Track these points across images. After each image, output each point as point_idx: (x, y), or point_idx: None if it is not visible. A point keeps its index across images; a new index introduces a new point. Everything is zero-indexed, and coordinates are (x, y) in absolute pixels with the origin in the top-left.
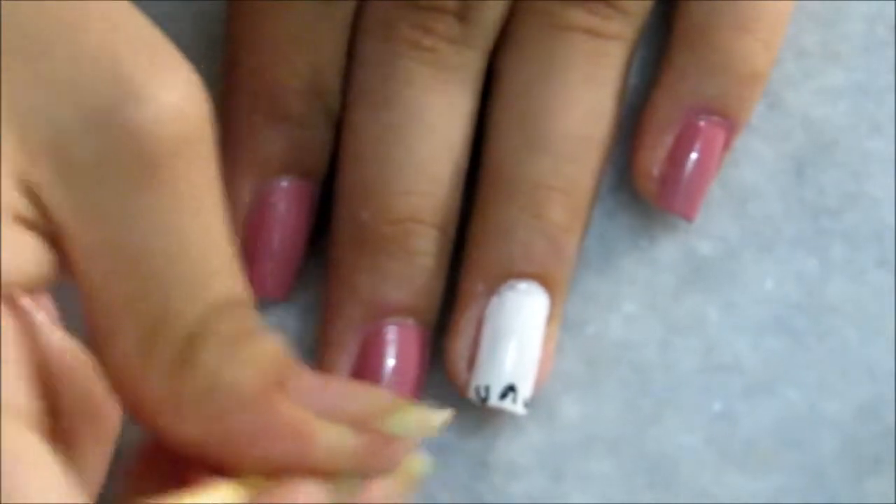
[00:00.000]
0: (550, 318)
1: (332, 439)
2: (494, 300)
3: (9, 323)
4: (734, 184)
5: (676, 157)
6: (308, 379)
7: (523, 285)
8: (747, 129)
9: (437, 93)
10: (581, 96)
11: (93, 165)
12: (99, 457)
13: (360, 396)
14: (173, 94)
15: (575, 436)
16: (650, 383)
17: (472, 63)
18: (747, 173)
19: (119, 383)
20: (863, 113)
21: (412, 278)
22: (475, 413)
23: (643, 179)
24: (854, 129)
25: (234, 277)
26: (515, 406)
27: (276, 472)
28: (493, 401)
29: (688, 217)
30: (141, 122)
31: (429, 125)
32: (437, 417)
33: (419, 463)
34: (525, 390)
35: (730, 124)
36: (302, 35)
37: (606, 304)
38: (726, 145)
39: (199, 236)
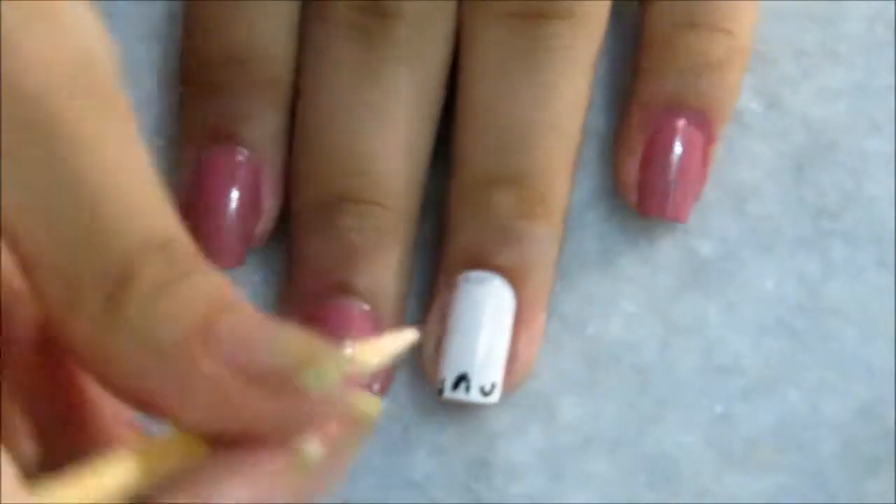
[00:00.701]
0: (523, 306)
1: (250, 400)
2: (450, 293)
3: None
4: (734, 184)
5: (649, 161)
6: (237, 322)
7: (475, 275)
8: (746, 129)
9: (372, 71)
10: (519, 84)
11: None
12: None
13: (281, 344)
14: (43, 39)
15: (575, 436)
16: (650, 383)
17: (412, 40)
18: (747, 173)
19: (56, 332)
20: (862, 113)
21: (348, 257)
22: (475, 413)
23: (624, 189)
24: (853, 129)
25: (157, 217)
26: (470, 395)
27: (209, 433)
28: (447, 393)
29: (676, 218)
30: (12, 74)
31: (364, 103)
32: (346, 359)
33: (368, 403)
34: (480, 379)
35: (703, 117)
36: (242, 11)
37: (606, 305)
38: (710, 140)
39: (103, 177)
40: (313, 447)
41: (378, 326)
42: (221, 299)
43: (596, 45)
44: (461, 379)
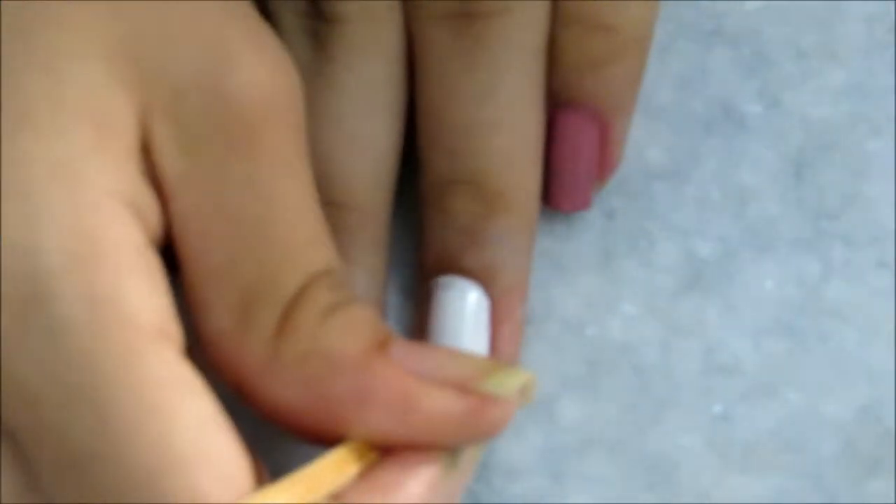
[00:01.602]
0: (498, 303)
1: (435, 402)
2: (427, 301)
3: (154, 258)
4: (733, 185)
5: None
6: (406, 344)
7: (444, 280)
8: (746, 130)
9: (322, 74)
10: (461, 84)
11: (199, 126)
12: None
13: (458, 360)
14: (265, 62)
15: (574, 437)
16: (650, 385)
17: (359, 41)
18: (746, 174)
19: (217, 352)
20: (862, 114)
21: None
22: None
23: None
24: (853, 130)
25: (327, 245)
26: None
27: (379, 441)
28: None
29: (572, 209)
30: (239, 88)
31: (316, 106)
32: (534, 376)
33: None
34: None
35: (593, 111)
36: None
37: (606, 306)
38: (605, 129)
39: (293, 203)
40: (469, 450)
41: None
42: (384, 324)
43: (538, 37)
44: None
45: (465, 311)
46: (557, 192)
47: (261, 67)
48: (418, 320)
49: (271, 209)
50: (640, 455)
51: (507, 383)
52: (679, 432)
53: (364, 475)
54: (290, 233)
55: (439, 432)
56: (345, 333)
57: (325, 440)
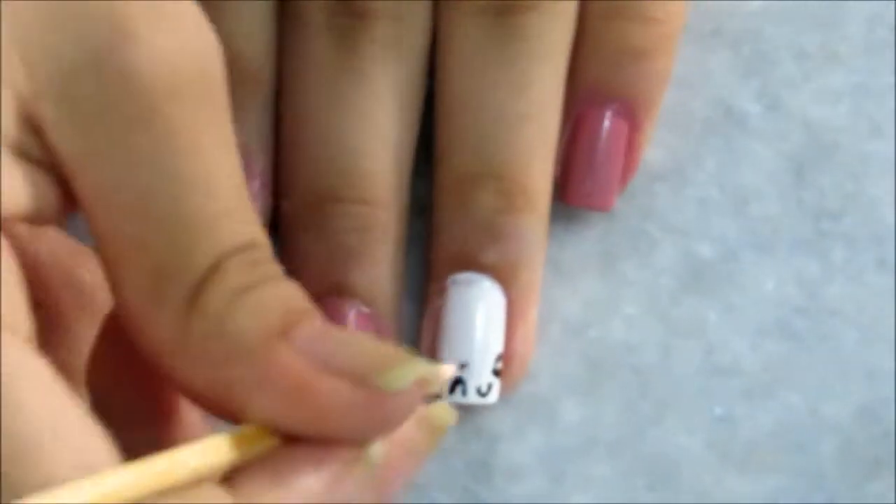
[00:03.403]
0: (515, 302)
1: (329, 392)
2: (440, 297)
3: (5, 247)
4: (734, 185)
5: (571, 150)
6: (314, 329)
7: (463, 277)
8: (747, 131)
9: (351, 71)
10: (492, 77)
11: (94, 106)
12: (85, 329)
13: (360, 349)
14: (164, 37)
15: (575, 438)
16: (650, 386)
17: (389, 38)
18: (747, 175)
19: (131, 329)
20: (863, 114)
21: (340, 258)
22: (476, 415)
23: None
24: (854, 130)
25: (245, 220)
26: (467, 397)
27: (276, 427)
28: (445, 397)
29: (598, 207)
30: (135, 63)
31: (344, 102)
32: (441, 372)
33: (443, 412)
34: (476, 380)
35: (627, 106)
36: (221, 13)
37: (607, 307)
38: (635, 128)
39: (201, 178)
40: (377, 446)
41: (375, 324)
42: (300, 304)
43: (568, 33)
44: (457, 382)
45: (482, 309)
46: (584, 189)
47: (159, 44)
48: (425, 317)
49: (178, 186)
50: (640, 456)
51: (403, 376)
52: (679, 433)
53: (260, 461)
54: (199, 209)
55: (334, 423)
56: (250, 316)
57: (234, 421)
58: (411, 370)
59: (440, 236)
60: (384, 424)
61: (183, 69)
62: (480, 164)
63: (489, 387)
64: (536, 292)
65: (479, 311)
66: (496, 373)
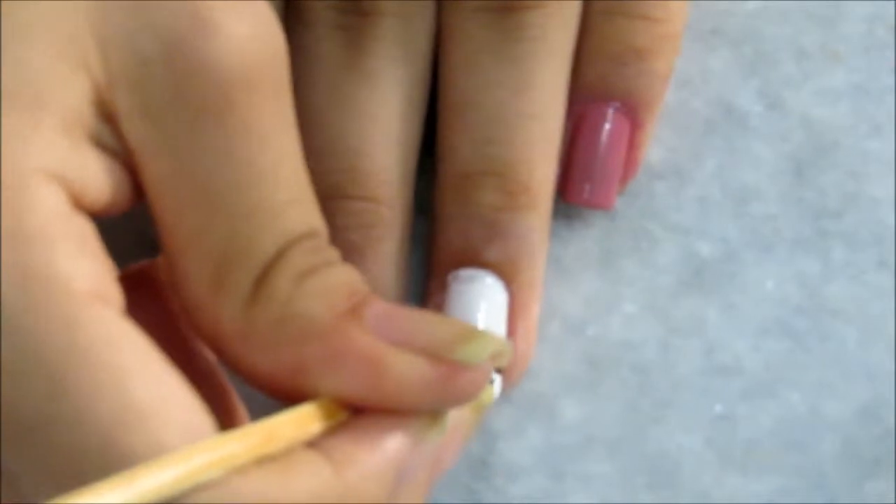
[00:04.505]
0: (517, 299)
1: (405, 368)
2: (442, 293)
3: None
4: (734, 185)
5: (572, 149)
6: (381, 308)
7: (465, 273)
8: (747, 130)
9: (358, 69)
10: (495, 75)
11: (168, 94)
12: None
13: (433, 325)
14: (242, 27)
15: (575, 436)
16: (650, 384)
17: (395, 37)
18: (747, 174)
19: (194, 314)
20: (862, 114)
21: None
22: None
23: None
24: (854, 129)
25: (308, 209)
26: None
27: (350, 403)
28: None
29: (598, 206)
30: (210, 53)
31: (351, 101)
32: (510, 345)
33: (488, 392)
34: None
35: (629, 105)
36: None
37: (607, 306)
38: (636, 127)
39: (269, 167)
40: (449, 415)
41: None
42: (363, 286)
43: (571, 32)
44: None
45: (485, 305)
46: (585, 188)
47: (238, 33)
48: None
49: (245, 175)
50: (640, 455)
51: (480, 350)
52: (679, 432)
53: (343, 429)
54: (264, 199)
55: (409, 397)
56: (319, 298)
57: (298, 402)
58: (487, 344)
59: (442, 233)
60: (458, 398)
61: (257, 59)
62: (483, 162)
63: (491, 383)
64: (538, 290)
65: (481, 307)
66: (498, 370)
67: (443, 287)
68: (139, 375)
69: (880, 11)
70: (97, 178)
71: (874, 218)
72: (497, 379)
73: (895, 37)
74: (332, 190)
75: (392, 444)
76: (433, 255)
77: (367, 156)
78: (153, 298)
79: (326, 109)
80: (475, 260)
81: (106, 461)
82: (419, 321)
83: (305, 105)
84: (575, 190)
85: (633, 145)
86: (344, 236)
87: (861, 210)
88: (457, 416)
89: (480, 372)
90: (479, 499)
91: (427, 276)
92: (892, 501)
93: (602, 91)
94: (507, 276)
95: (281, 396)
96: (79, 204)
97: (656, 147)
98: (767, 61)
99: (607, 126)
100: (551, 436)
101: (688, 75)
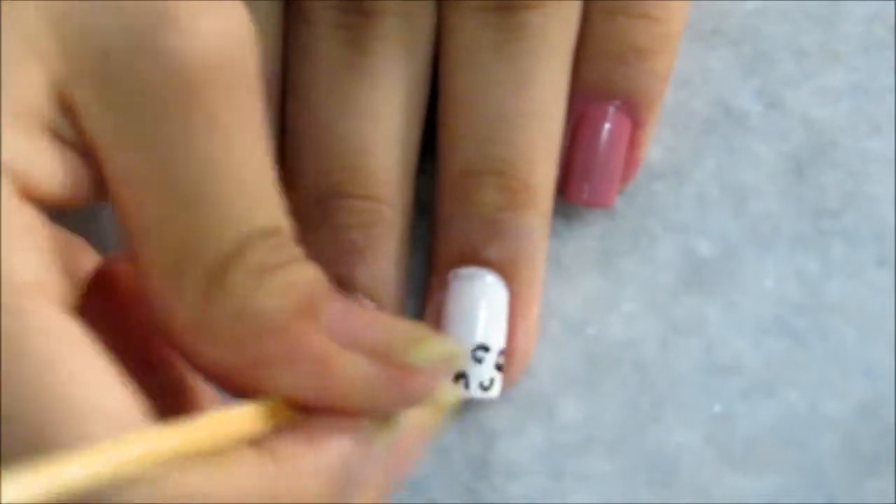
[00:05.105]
0: (517, 298)
1: (353, 369)
2: (442, 291)
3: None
4: (734, 183)
5: (573, 147)
6: (339, 308)
7: (465, 272)
8: (747, 130)
9: (359, 68)
10: (495, 74)
11: (129, 88)
12: None
13: (387, 327)
14: (208, 22)
15: (575, 435)
16: (650, 383)
17: (397, 36)
18: (747, 173)
19: (153, 305)
20: (862, 113)
21: (347, 253)
22: (475, 413)
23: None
24: (853, 129)
25: (271, 206)
26: (469, 391)
27: (299, 402)
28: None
29: (599, 204)
30: (177, 48)
31: (352, 100)
32: (464, 350)
33: (448, 393)
34: (479, 375)
35: (629, 104)
36: None
37: (606, 304)
38: (637, 126)
39: (232, 163)
40: (401, 416)
41: None
42: (323, 285)
43: (571, 31)
44: (459, 376)
45: (485, 303)
46: (585, 187)
47: (203, 28)
48: (427, 311)
49: (206, 170)
50: (640, 453)
51: (431, 353)
52: (679, 430)
53: (291, 428)
54: (226, 194)
55: (357, 399)
56: (276, 295)
57: (250, 398)
58: (437, 347)
59: (442, 232)
60: (407, 399)
61: (222, 55)
62: (483, 161)
63: (491, 381)
64: (538, 288)
65: (482, 305)
66: (498, 367)
67: (443, 285)
68: (72, 371)
69: (880, 11)
70: (51, 169)
71: (873, 216)
72: (497, 378)
73: (895, 37)
74: (333, 189)
75: (337, 445)
76: (434, 254)
77: (368, 155)
78: (123, 292)
79: (327, 108)
80: (475, 258)
81: (34, 453)
82: (373, 322)
83: (306, 104)
84: (575, 189)
85: (633, 144)
86: (345, 235)
87: (860, 209)
88: (415, 417)
89: (429, 375)
90: (479, 498)
91: (428, 274)
92: (893, 500)
93: (602, 90)
94: (508, 274)
95: (235, 392)
96: (29, 195)
97: (656, 146)
98: (767, 61)
99: (608, 125)
100: (551, 435)
101: (687, 75)
